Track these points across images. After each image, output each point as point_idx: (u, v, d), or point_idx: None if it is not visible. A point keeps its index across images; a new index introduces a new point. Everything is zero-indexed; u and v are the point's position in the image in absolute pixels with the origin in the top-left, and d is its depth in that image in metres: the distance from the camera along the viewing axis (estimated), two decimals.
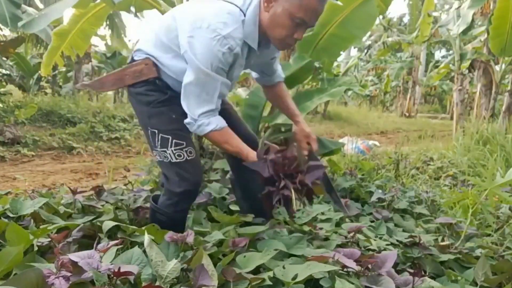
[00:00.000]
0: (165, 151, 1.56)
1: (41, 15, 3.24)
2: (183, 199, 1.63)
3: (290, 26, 1.39)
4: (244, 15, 1.42)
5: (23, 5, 5.24)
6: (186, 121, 1.50)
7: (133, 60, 1.59)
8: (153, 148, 1.60)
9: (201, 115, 1.46)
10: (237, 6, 1.42)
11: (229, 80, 1.49)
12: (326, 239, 1.86)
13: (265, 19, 1.43)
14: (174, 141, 1.54)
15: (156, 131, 1.56)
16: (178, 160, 1.56)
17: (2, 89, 8.00)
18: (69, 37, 3.35)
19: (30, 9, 5.45)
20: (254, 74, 1.87)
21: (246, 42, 1.46)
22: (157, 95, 1.56)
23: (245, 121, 2.07)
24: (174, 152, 1.55)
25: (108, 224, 1.67)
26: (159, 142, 1.56)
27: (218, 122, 1.49)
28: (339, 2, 2.90)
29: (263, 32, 1.46)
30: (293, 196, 1.34)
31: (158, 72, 1.54)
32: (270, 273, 1.30)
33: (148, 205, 2.20)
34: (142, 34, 1.64)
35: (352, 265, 1.32)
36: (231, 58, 1.41)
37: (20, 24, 3.38)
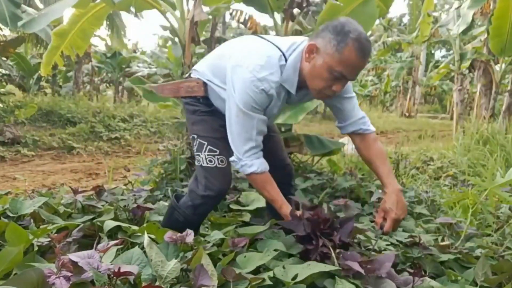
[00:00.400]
0: (199, 155, 1.68)
1: (41, 15, 3.24)
2: (204, 204, 1.69)
3: (329, 78, 1.41)
4: (286, 60, 1.47)
5: (23, 5, 5.24)
6: (231, 159, 1.59)
7: (189, 76, 1.74)
8: (193, 152, 1.74)
9: (245, 154, 1.53)
10: (281, 51, 1.48)
11: (267, 117, 1.55)
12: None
13: (306, 69, 1.46)
14: (208, 147, 1.66)
15: (196, 136, 1.69)
16: (208, 165, 1.66)
17: (3, 89, 8.00)
18: (68, 37, 3.35)
19: (30, 9, 5.45)
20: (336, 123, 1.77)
21: (283, 85, 1.50)
22: (202, 107, 1.69)
23: None
24: (206, 157, 1.66)
25: (109, 224, 1.67)
26: (196, 147, 1.69)
27: (260, 165, 1.54)
28: (339, 2, 2.90)
29: (303, 79, 1.50)
30: (333, 253, 1.35)
31: (206, 91, 1.66)
32: (270, 273, 1.30)
33: (148, 205, 2.22)
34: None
35: (358, 268, 1.31)
36: (266, 99, 1.47)
37: (19, 23, 3.38)
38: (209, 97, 1.67)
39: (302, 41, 1.51)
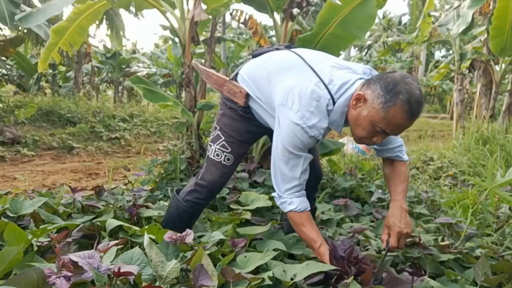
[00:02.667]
0: (211, 145, 1.73)
1: (39, 10, 3.24)
2: (194, 191, 1.74)
3: (370, 131, 1.39)
4: (334, 103, 1.43)
5: (22, 5, 5.24)
6: (273, 194, 1.57)
7: (236, 76, 1.70)
8: (209, 140, 1.78)
9: (286, 192, 1.50)
10: (330, 93, 1.42)
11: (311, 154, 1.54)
12: (329, 238, 1.86)
13: (351, 114, 1.43)
14: (223, 142, 1.69)
15: (218, 127, 1.72)
16: (213, 158, 1.70)
17: (3, 89, 7.99)
18: (67, 33, 3.35)
19: (30, 9, 5.44)
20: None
21: (329, 127, 1.49)
22: (238, 110, 1.69)
23: None
24: (216, 150, 1.70)
25: (111, 223, 1.67)
26: (213, 137, 1.73)
27: (300, 204, 1.49)
28: (338, 2, 2.90)
29: (347, 120, 1.47)
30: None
31: (246, 103, 1.65)
32: (270, 273, 1.30)
33: (148, 205, 2.23)
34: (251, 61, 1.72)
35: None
36: (314, 142, 1.46)
37: (17, 17, 3.37)
38: (249, 107, 1.66)
39: (354, 82, 1.44)
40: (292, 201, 1.49)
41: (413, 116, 1.33)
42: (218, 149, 1.69)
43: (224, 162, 1.69)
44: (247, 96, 1.63)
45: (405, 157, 1.64)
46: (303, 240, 1.56)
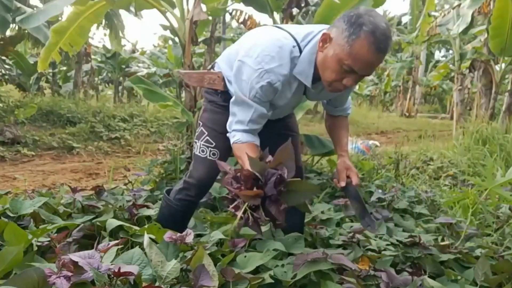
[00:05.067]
0: (196, 142, 1.73)
1: (40, 11, 3.24)
2: (184, 189, 1.75)
3: (339, 71, 1.34)
4: (300, 52, 1.42)
5: (22, 6, 5.24)
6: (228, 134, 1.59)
7: (213, 67, 1.73)
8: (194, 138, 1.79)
9: (233, 130, 1.53)
10: (296, 41, 1.42)
11: (274, 109, 1.55)
12: (328, 238, 1.86)
13: (319, 59, 1.40)
14: (207, 137, 1.69)
15: (201, 123, 1.73)
16: (199, 154, 1.70)
17: (3, 88, 7.99)
18: (67, 34, 3.34)
19: (29, 10, 5.44)
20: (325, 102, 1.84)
21: (297, 78, 1.46)
22: (218, 100, 1.69)
23: None
24: (201, 146, 1.70)
25: (112, 223, 1.67)
26: (197, 133, 1.74)
27: (242, 137, 1.50)
28: (336, 0, 2.89)
29: (318, 70, 1.44)
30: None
31: (225, 86, 1.65)
32: (271, 273, 1.30)
33: (147, 204, 2.23)
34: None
35: (350, 265, 1.32)
36: (271, 91, 1.43)
37: (18, 19, 3.37)
38: (228, 91, 1.65)
39: (319, 31, 1.43)
40: (235, 134, 1.50)
41: (380, 50, 1.27)
42: (203, 145, 1.69)
43: (210, 158, 1.67)
44: (224, 79, 1.63)
45: (348, 111, 1.80)
46: (240, 163, 1.47)
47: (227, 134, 1.56)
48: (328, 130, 1.82)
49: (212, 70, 1.70)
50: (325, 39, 1.35)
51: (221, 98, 1.67)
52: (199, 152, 1.70)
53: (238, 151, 1.49)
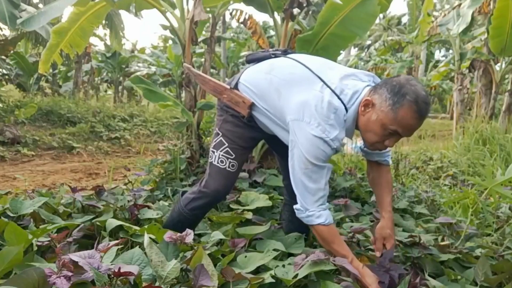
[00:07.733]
0: (214, 152, 1.69)
1: (41, 13, 3.23)
2: (198, 199, 1.72)
3: (382, 134, 1.41)
4: (346, 111, 1.45)
5: (23, 4, 5.24)
6: (295, 207, 1.51)
7: (237, 85, 1.65)
8: (211, 146, 1.74)
9: (313, 205, 1.47)
10: (342, 102, 1.43)
11: None
12: None
13: (361, 121, 1.46)
14: (227, 149, 1.66)
15: (220, 133, 1.69)
16: (217, 165, 1.67)
17: (3, 88, 7.99)
18: (68, 35, 3.34)
19: (30, 8, 5.45)
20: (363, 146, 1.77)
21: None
22: (241, 118, 1.66)
23: None
24: (220, 157, 1.67)
25: (112, 223, 1.67)
26: (215, 143, 1.70)
27: (327, 217, 1.47)
28: (339, 1, 2.89)
29: (358, 127, 1.50)
30: None
31: (249, 113, 1.62)
32: (272, 272, 1.30)
33: (147, 204, 2.22)
34: (251, 69, 1.68)
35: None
36: (333, 154, 1.47)
37: (19, 21, 3.37)
38: (251, 115, 1.63)
39: (363, 89, 1.46)
40: (320, 214, 1.45)
41: (422, 116, 1.37)
42: (222, 155, 1.66)
43: (229, 169, 1.67)
44: (251, 106, 1.60)
45: (390, 161, 1.74)
46: (334, 254, 1.46)
47: (301, 214, 1.49)
48: (371, 183, 1.76)
49: (236, 91, 1.64)
50: (368, 104, 1.41)
51: (244, 118, 1.64)
52: (218, 162, 1.67)
53: (328, 234, 1.46)
